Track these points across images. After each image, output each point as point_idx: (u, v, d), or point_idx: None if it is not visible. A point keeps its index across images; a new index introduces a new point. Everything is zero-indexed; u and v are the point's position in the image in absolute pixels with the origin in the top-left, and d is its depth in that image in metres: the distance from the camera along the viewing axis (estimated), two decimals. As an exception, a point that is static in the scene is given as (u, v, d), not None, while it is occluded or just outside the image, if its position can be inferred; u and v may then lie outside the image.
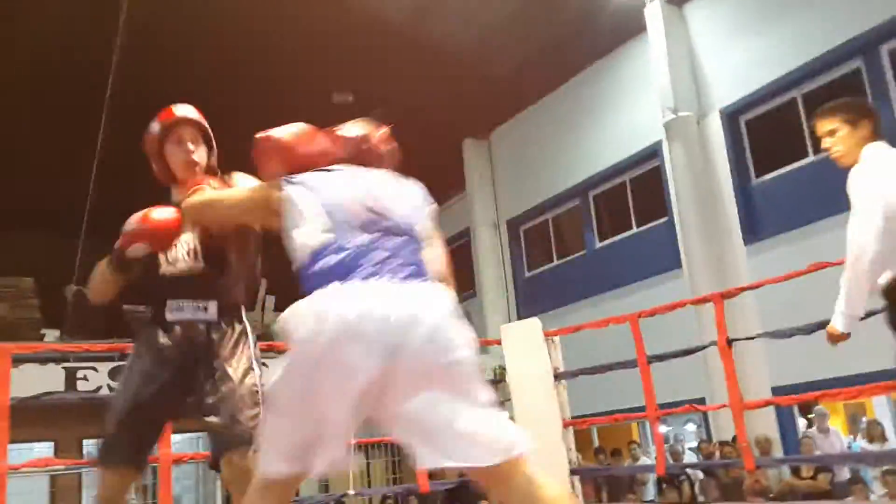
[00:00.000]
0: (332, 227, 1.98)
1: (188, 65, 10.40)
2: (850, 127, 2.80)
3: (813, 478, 6.71)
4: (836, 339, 2.81)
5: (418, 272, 2.00)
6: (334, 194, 2.07)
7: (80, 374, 8.81)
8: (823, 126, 2.87)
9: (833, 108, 2.90)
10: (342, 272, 1.89)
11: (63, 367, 8.79)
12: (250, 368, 2.37)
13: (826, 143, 2.90)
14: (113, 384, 8.84)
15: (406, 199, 2.23)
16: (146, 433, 2.43)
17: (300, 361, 1.81)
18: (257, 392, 2.30)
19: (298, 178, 2.13)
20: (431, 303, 1.88)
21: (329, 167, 2.22)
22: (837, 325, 2.66)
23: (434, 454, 1.80)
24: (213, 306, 2.43)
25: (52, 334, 9.82)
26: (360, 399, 1.77)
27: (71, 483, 9.59)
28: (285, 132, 2.34)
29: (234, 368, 2.35)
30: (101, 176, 9.66)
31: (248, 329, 2.47)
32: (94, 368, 8.91)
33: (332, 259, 1.92)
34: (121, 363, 9.02)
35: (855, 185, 2.75)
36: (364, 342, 1.75)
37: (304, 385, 1.79)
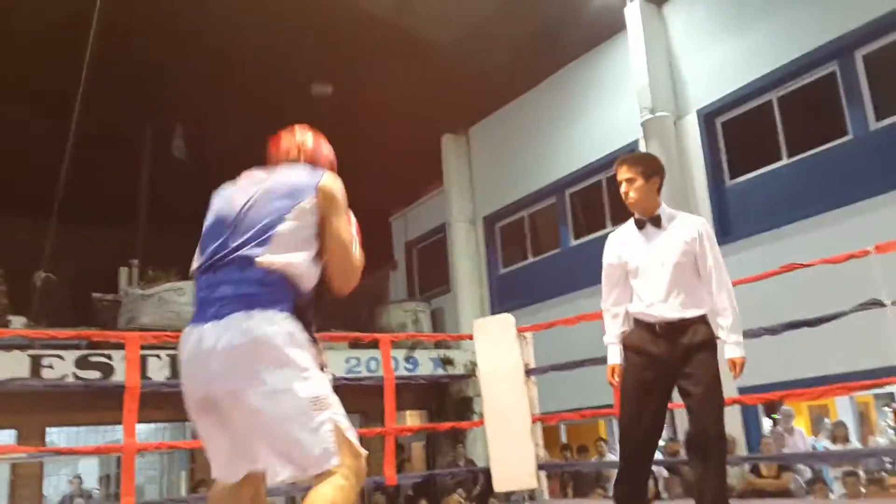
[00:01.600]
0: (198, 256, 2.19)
1: (166, 54, 10.27)
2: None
3: (776, 477, 6.78)
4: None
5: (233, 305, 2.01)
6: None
7: (45, 361, 8.67)
8: None
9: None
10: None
11: (28, 355, 8.63)
12: None
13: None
14: (79, 373, 8.73)
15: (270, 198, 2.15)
16: None
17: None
18: None
19: None
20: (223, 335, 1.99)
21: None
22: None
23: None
24: None
25: (18, 321, 9.66)
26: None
27: (33, 471, 9.46)
28: None
29: None
30: (73, 163, 9.51)
31: None
32: (59, 357, 8.77)
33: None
34: (87, 352, 8.92)
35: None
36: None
37: None
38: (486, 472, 5.66)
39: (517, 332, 5.37)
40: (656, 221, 3.17)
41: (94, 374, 8.72)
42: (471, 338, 5.73)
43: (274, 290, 2.03)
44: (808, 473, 7.16)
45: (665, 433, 10.03)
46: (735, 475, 7.23)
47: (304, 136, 2.45)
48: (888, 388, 9.02)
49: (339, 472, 1.94)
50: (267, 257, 2.04)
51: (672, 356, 3.01)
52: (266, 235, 2.07)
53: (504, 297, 12.55)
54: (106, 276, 11.21)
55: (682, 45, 9.93)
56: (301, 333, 2.04)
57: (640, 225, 3.20)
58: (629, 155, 3.37)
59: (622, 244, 3.25)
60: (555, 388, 7.31)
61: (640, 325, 3.12)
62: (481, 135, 13.49)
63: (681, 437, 8.44)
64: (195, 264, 2.17)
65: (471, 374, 8.86)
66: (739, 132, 9.45)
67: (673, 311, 3.03)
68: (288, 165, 2.31)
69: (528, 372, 5.36)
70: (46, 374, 8.56)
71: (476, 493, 8.33)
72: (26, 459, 9.13)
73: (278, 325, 1.99)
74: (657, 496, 7.02)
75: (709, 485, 2.90)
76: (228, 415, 2.00)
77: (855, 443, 7.94)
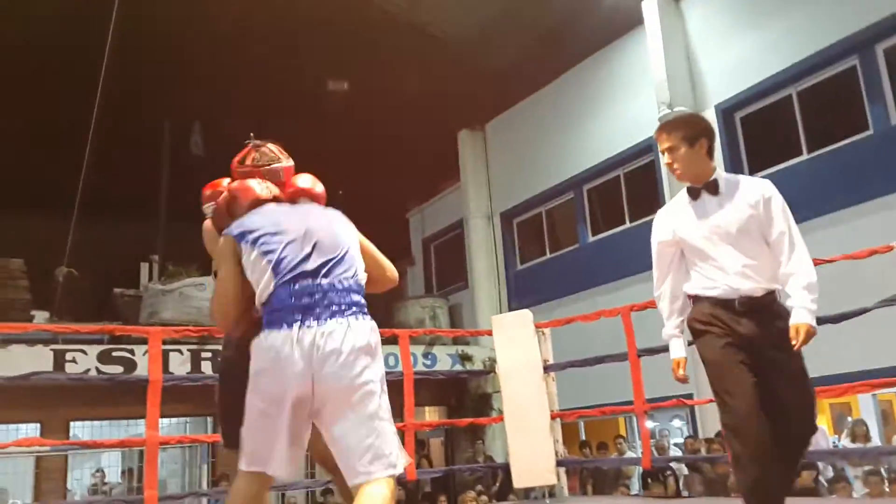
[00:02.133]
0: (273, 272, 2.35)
1: (182, 50, 10.35)
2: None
3: (797, 475, 6.75)
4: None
5: (339, 311, 2.27)
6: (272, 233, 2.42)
7: (68, 356, 8.79)
8: None
9: None
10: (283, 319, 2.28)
11: (51, 349, 8.76)
12: None
13: None
14: (102, 367, 8.83)
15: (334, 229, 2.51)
16: None
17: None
18: None
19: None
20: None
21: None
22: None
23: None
24: None
25: (41, 316, 9.78)
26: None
27: (57, 465, 9.58)
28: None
29: None
30: (94, 158, 9.60)
31: None
32: (83, 351, 8.88)
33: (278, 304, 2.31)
34: (109, 347, 9.02)
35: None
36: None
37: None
38: (506, 469, 5.67)
39: (535, 328, 5.38)
40: (712, 188, 2.75)
41: (116, 369, 8.82)
42: (489, 333, 5.74)
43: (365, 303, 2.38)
44: (830, 472, 7.12)
45: (686, 430, 10.02)
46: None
47: (310, 182, 2.78)
48: (910, 386, 8.94)
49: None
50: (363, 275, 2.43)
51: (759, 338, 2.61)
52: (351, 256, 2.43)
53: (521, 293, 12.55)
54: (127, 272, 11.33)
55: (699, 40, 9.87)
56: None
57: (694, 194, 2.78)
58: (668, 120, 2.92)
59: (675, 218, 2.83)
60: (573, 384, 7.31)
61: (713, 302, 2.68)
62: (498, 130, 13.48)
63: (702, 434, 8.42)
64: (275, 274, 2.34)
65: (489, 370, 8.87)
66: (758, 127, 9.39)
67: (751, 284, 2.64)
68: (310, 203, 2.68)
69: (547, 368, 5.37)
70: (69, 368, 8.68)
71: (495, 489, 8.34)
72: (50, 453, 9.25)
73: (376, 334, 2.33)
74: (678, 494, 7.00)
75: (780, 485, 2.58)
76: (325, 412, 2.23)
77: (877, 441, 7.88)
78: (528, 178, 12.54)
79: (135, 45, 9.44)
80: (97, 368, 8.80)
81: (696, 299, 2.77)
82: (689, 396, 7.74)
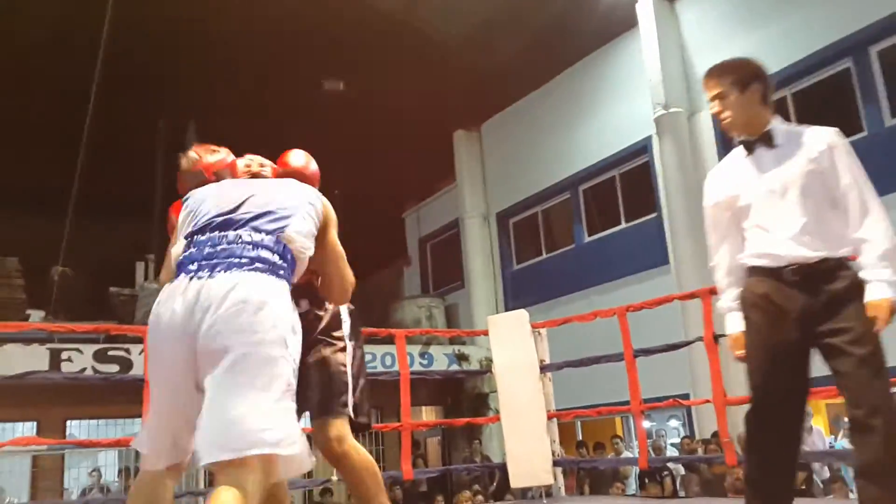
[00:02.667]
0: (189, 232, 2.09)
1: (178, 50, 10.33)
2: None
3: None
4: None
5: (237, 264, 1.94)
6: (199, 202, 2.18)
7: (64, 355, 8.77)
8: None
9: None
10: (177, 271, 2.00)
11: (47, 348, 8.74)
12: None
13: None
14: (98, 366, 8.82)
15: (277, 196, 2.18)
16: None
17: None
18: None
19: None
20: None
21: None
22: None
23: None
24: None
25: (37, 315, 9.77)
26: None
27: (53, 463, 9.57)
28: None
29: None
30: (89, 157, 9.60)
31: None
32: (78, 350, 8.87)
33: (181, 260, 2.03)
34: (105, 345, 9.01)
35: None
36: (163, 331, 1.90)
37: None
38: (502, 468, 5.68)
39: (531, 328, 5.38)
40: (767, 140, 2.42)
41: (112, 368, 8.81)
42: (486, 333, 5.75)
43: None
44: (827, 473, 7.14)
45: (682, 431, 10.04)
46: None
47: (302, 160, 2.70)
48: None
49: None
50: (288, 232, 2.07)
51: (810, 310, 2.26)
52: (279, 216, 2.09)
53: (518, 293, 12.56)
54: (122, 271, 11.31)
55: (694, 41, 9.90)
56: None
57: (749, 148, 2.45)
58: (716, 64, 2.61)
59: (728, 176, 2.51)
60: (570, 384, 7.33)
61: (762, 273, 2.36)
62: (494, 131, 13.49)
63: (698, 435, 8.44)
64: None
65: (486, 370, 8.88)
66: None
67: (806, 248, 2.28)
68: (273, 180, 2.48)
69: (543, 368, 5.38)
70: (65, 367, 8.66)
71: (492, 489, 8.36)
72: (47, 452, 9.24)
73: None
74: (674, 494, 7.02)
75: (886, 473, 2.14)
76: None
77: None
78: (523, 179, 12.55)
79: (129, 44, 9.43)
80: (93, 367, 8.79)
81: (749, 271, 2.43)
82: (686, 397, 7.79)
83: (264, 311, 1.84)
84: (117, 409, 8.56)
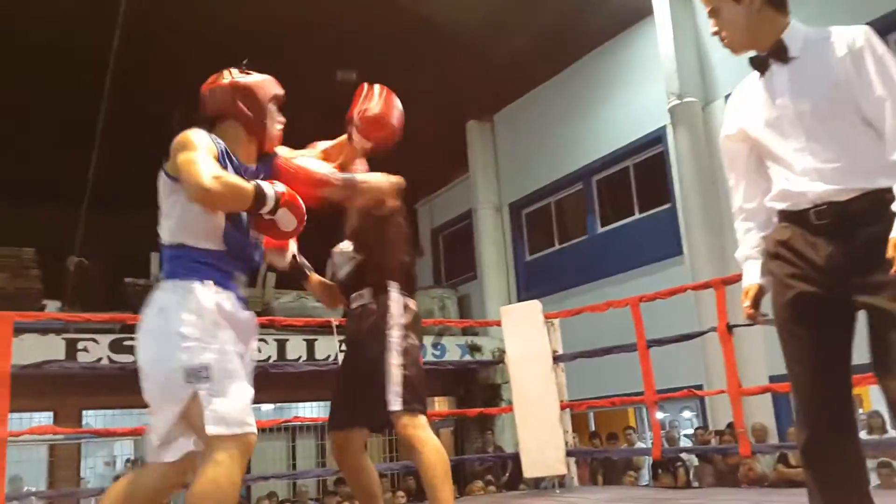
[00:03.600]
0: None
1: (191, 38, 10.35)
2: None
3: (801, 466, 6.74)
4: None
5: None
6: None
7: (80, 345, 8.84)
8: None
9: None
10: None
11: (63, 338, 8.81)
12: None
13: None
14: (114, 356, 8.89)
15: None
16: None
17: None
18: None
19: None
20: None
21: None
22: None
23: None
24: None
25: (52, 305, 9.85)
26: None
27: (70, 453, 9.67)
28: None
29: None
30: (104, 146, 9.64)
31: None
32: (94, 340, 8.94)
33: None
34: (121, 336, 9.07)
35: None
36: None
37: None
38: (515, 459, 5.69)
39: (544, 319, 5.37)
40: (780, 53, 1.98)
41: (128, 358, 8.86)
42: (498, 324, 5.75)
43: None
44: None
45: (695, 422, 10.01)
46: (767, 464, 7.19)
47: (202, 91, 2.52)
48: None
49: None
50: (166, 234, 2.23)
51: (842, 259, 1.82)
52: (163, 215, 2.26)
53: (530, 284, 12.55)
54: (138, 261, 11.36)
55: (709, 30, 9.77)
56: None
57: (759, 65, 2.03)
58: None
59: (741, 102, 2.12)
60: (582, 375, 7.32)
61: (787, 219, 1.93)
62: (506, 121, 13.45)
63: (712, 425, 8.41)
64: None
65: (499, 360, 8.88)
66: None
67: (833, 184, 1.82)
68: None
69: (556, 359, 5.37)
70: (81, 357, 8.73)
71: (504, 479, 8.37)
72: (63, 441, 9.33)
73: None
74: (688, 485, 7.01)
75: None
76: None
77: (892, 433, 7.85)
78: (536, 169, 12.51)
79: (144, 34, 9.45)
80: (109, 357, 8.86)
81: (777, 216, 2.00)
82: (700, 387, 7.76)
83: (163, 311, 2.18)
84: (133, 399, 8.56)
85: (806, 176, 1.87)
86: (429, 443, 2.55)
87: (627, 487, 7.12)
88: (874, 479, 6.71)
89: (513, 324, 5.50)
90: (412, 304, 2.79)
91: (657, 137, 10.42)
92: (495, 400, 11.13)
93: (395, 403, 2.57)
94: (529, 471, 5.34)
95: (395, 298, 2.73)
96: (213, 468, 1.95)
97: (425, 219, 15.76)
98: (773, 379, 7.87)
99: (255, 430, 2.06)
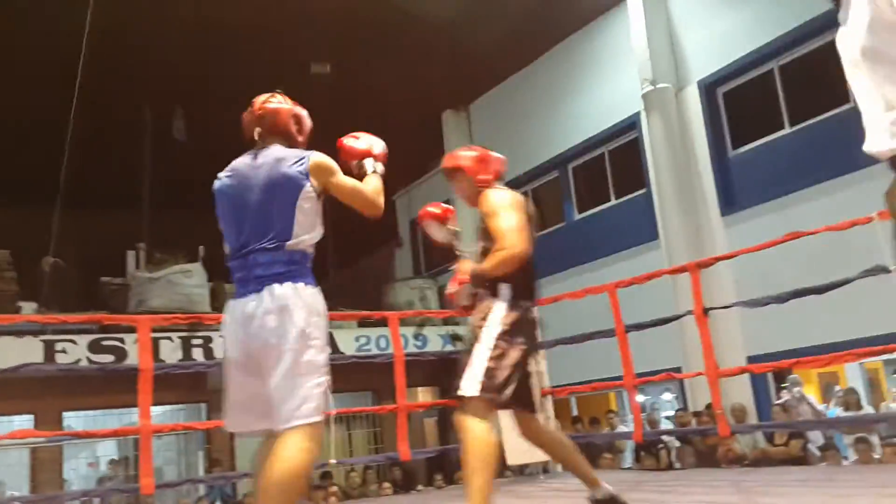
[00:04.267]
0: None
1: (163, 34, 10.24)
2: None
3: (785, 444, 6.86)
4: None
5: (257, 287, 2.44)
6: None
7: (58, 346, 8.76)
8: None
9: None
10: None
11: (41, 340, 8.73)
12: None
13: None
14: (93, 357, 8.82)
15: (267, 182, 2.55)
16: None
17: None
18: None
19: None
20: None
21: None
22: None
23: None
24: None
25: (28, 307, 9.73)
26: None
27: (52, 455, 9.58)
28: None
29: None
30: (75, 146, 9.52)
31: None
32: (72, 341, 8.86)
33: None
34: (99, 336, 9.00)
35: None
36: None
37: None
38: (499, 446, 5.73)
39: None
40: None
41: (107, 358, 8.81)
42: (479, 313, 5.76)
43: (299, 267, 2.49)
44: (821, 440, 7.24)
45: (676, 404, 10.14)
46: (747, 443, 7.31)
47: (266, 109, 2.78)
48: None
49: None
50: (293, 241, 2.47)
51: None
52: (287, 222, 2.48)
53: (509, 272, 12.58)
54: (113, 260, 11.26)
55: (682, 16, 9.87)
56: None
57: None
58: None
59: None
60: (563, 361, 7.38)
61: None
62: (482, 110, 13.47)
63: (692, 407, 8.53)
64: (227, 251, 2.60)
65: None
66: (741, 102, 9.42)
67: None
68: (272, 147, 2.64)
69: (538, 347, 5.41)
70: (60, 358, 8.65)
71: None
72: (45, 444, 9.25)
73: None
74: (670, 466, 7.11)
75: None
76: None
77: (868, 409, 8.01)
78: (513, 158, 12.40)
79: (114, 29, 9.33)
80: (88, 358, 8.79)
81: None
82: (679, 370, 7.86)
83: (287, 311, 2.45)
84: (113, 399, 8.54)
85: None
86: (472, 430, 2.62)
87: (611, 470, 7.20)
88: (851, 455, 6.85)
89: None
90: (524, 307, 2.91)
91: (631, 124, 10.48)
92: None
93: (465, 388, 2.68)
94: (513, 457, 5.39)
95: (503, 300, 2.88)
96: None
97: (403, 209, 15.74)
98: (750, 360, 8.00)
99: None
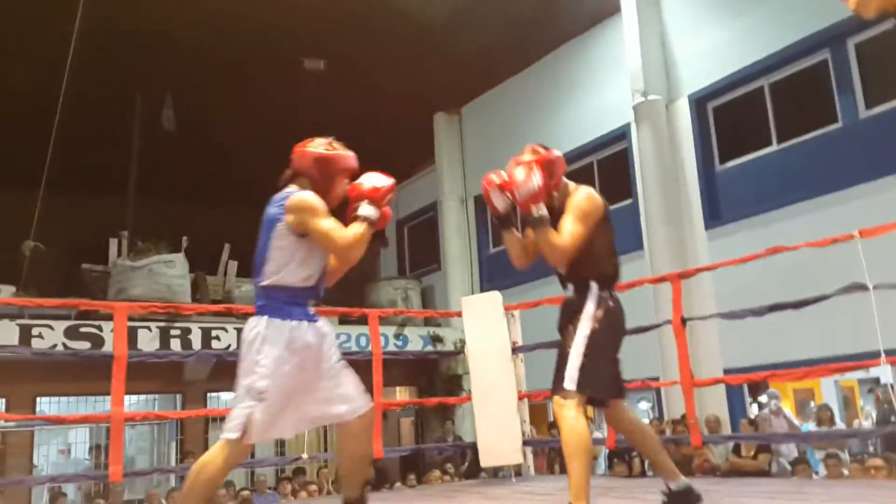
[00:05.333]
0: None
1: (157, 23, 10.19)
2: None
3: (753, 458, 6.90)
4: None
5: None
6: None
7: (35, 331, 8.68)
8: None
9: None
10: None
11: (17, 324, 8.65)
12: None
13: None
14: (69, 343, 8.75)
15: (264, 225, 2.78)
16: None
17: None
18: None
19: None
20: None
21: None
22: None
23: None
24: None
25: (7, 290, 9.65)
26: None
27: (23, 440, 9.49)
28: None
29: None
30: (63, 131, 9.45)
31: None
32: (49, 326, 8.79)
33: None
34: (77, 322, 8.93)
35: None
36: None
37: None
38: (474, 448, 5.73)
39: (504, 310, 5.42)
40: None
41: (83, 345, 8.74)
42: (460, 315, 5.78)
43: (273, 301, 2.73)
44: (795, 453, 7.28)
45: (652, 413, 10.17)
46: (719, 454, 7.34)
47: (295, 151, 2.91)
48: (871, 373, 9.16)
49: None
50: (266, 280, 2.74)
51: None
52: (263, 259, 2.75)
53: (493, 276, 12.61)
54: (95, 247, 11.18)
55: (675, 29, 9.93)
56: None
57: None
58: None
59: None
60: (542, 366, 7.37)
61: None
62: (474, 114, 13.48)
63: (667, 416, 8.56)
64: None
65: (460, 351, 8.91)
66: (730, 117, 9.49)
67: None
68: (289, 187, 2.83)
69: (516, 349, 5.42)
70: (36, 343, 8.57)
71: (464, 468, 8.43)
72: (16, 428, 9.16)
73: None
74: (642, 473, 7.13)
75: None
76: None
77: (841, 425, 8.07)
78: (502, 162, 12.28)
79: (106, 16, 9.27)
80: (64, 344, 8.71)
81: None
82: (656, 379, 7.88)
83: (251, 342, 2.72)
84: (88, 387, 8.49)
85: None
86: (566, 421, 2.81)
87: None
88: (822, 470, 6.90)
89: (473, 315, 5.54)
90: (611, 299, 3.06)
91: (621, 134, 10.53)
92: (456, 390, 11.19)
93: (565, 382, 2.89)
94: (487, 460, 5.39)
95: (593, 295, 3.02)
96: None
97: (391, 210, 15.69)
98: (727, 372, 8.04)
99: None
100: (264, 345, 2.65)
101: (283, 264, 2.70)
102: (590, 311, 2.98)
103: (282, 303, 2.71)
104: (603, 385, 2.98)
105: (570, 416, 2.82)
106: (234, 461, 2.68)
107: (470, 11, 10.72)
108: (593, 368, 2.89)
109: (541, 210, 3.04)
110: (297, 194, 2.72)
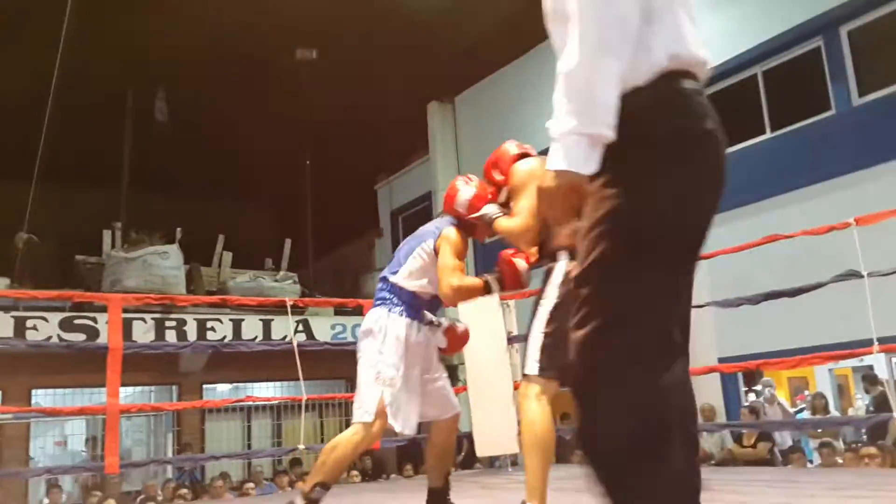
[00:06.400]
0: None
1: (150, 15, 10.13)
2: None
3: (753, 446, 6.93)
4: None
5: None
6: None
7: (29, 323, 8.67)
8: None
9: None
10: None
11: (12, 316, 8.62)
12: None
13: None
14: (64, 335, 8.73)
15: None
16: None
17: None
18: None
19: None
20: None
21: None
22: None
23: None
24: None
25: (1, 282, 9.61)
26: None
27: (19, 432, 9.49)
28: None
29: None
30: (56, 122, 9.40)
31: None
32: (44, 318, 8.77)
33: None
34: (71, 314, 8.91)
35: None
36: None
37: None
38: (470, 438, 5.75)
39: (500, 300, 5.42)
40: None
41: (78, 337, 8.72)
42: (454, 305, 5.77)
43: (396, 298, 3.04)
44: (789, 442, 7.32)
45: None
46: (714, 443, 7.38)
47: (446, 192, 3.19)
48: (865, 360, 9.20)
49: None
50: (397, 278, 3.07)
51: None
52: (402, 262, 3.11)
53: (488, 266, 12.57)
54: (89, 239, 11.14)
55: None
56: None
57: None
58: None
59: None
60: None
61: None
62: (467, 103, 13.45)
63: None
64: None
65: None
66: (724, 105, 9.39)
67: None
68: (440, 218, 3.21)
69: (511, 340, 5.43)
70: (31, 335, 8.56)
71: (460, 458, 8.45)
72: (12, 421, 9.15)
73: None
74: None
75: None
76: None
77: (835, 414, 8.12)
78: (496, 152, 12.52)
79: (99, 8, 9.21)
80: (59, 336, 8.70)
81: None
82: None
83: (370, 332, 3.00)
84: (84, 378, 8.47)
85: None
86: (526, 413, 2.60)
87: (578, 465, 7.24)
88: (816, 459, 6.94)
89: (468, 305, 5.52)
90: None
91: (614, 122, 10.52)
92: (452, 381, 11.19)
93: (527, 367, 2.66)
94: (482, 450, 5.41)
95: (560, 266, 2.80)
96: None
97: (385, 200, 15.70)
98: (722, 361, 8.06)
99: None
100: (387, 336, 2.90)
101: (416, 273, 3.02)
102: (555, 282, 2.68)
103: (404, 302, 2.99)
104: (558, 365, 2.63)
105: (531, 407, 2.58)
106: (366, 444, 2.83)
107: (463, 1, 10.68)
108: (556, 346, 2.52)
109: (483, 210, 2.99)
110: (448, 229, 3.06)
